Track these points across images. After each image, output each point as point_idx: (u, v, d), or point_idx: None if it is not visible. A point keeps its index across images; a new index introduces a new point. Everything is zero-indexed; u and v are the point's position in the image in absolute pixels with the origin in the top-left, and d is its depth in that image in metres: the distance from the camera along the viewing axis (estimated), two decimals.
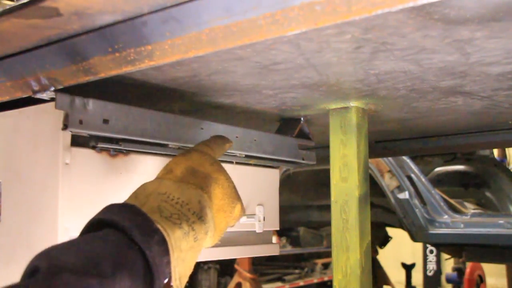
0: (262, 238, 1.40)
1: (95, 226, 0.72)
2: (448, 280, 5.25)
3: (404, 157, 3.62)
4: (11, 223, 0.99)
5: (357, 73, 1.01)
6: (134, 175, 1.07)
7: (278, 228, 1.44)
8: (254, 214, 1.35)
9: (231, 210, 0.90)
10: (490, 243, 3.37)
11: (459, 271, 4.92)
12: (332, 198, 1.31)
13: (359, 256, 1.25)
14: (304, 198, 4.37)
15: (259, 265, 6.99)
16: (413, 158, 3.74)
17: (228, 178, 0.90)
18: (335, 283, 1.28)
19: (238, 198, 0.92)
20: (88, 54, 0.79)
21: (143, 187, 0.82)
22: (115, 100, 0.99)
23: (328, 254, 7.52)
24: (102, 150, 1.00)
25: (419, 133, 1.82)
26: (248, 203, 1.35)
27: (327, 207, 1.41)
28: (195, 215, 0.79)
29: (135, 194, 0.81)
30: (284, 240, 7.56)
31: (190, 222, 0.77)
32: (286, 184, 3.88)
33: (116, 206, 0.74)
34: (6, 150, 1.03)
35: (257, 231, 1.35)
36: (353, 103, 1.29)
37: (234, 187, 0.92)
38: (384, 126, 1.62)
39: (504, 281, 5.09)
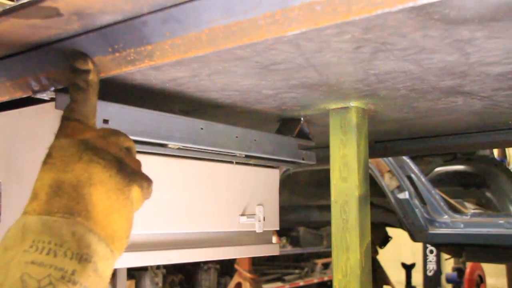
0: (262, 238, 1.40)
1: None
2: (448, 280, 5.25)
3: (404, 157, 3.62)
4: (11, 223, 0.99)
5: (357, 73, 1.01)
6: None
7: (278, 228, 1.44)
8: (254, 214, 1.35)
9: (126, 200, 0.68)
10: (490, 243, 3.37)
11: (459, 271, 4.93)
12: (332, 198, 1.31)
13: (359, 256, 1.25)
14: (304, 198, 4.37)
15: (259, 265, 6.99)
16: (413, 158, 3.74)
17: (106, 165, 0.67)
18: (335, 283, 1.28)
19: (130, 179, 0.69)
20: (88, 54, 0.79)
21: (4, 246, 0.64)
22: (115, 100, 0.99)
23: (328, 254, 7.52)
24: None
25: (419, 133, 1.82)
26: (248, 203, 1.35)
27: (327, 207, 1.41)
28: (74, 258, 0.60)
29: (5, 243, 0.65)
30: (284, 240, 7.56)
31: (67, 277, 0.59)
32: (286, 184, 3.87)
33: None
34: (6, 150, 1.03)
35: (257, 231, 1.35)
36: (353, 103, 1.29)
37: (120, 169, 0.68)
38: (384, 126, 1.62)
39: (504, 281, 5.08)
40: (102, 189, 0.66)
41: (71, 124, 0.73)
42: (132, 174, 0.69)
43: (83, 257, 0.61)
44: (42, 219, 0.64)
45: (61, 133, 0.73)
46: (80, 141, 0.69)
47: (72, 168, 0.66)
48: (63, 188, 0.65)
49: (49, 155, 0.69)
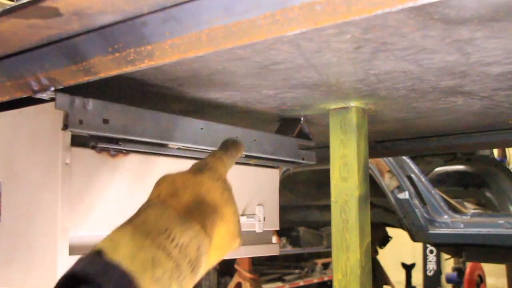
0: (262, 238, 1.40)
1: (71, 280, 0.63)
2: (448, 280, 5.24)
3: (404, 157, 3.62)
4: (11, 223, 0.99)
5: (357, 73, 1.01)
6: (134, 175, 1.07)
7: (278, 228, 1.44)
8: (254, 214, 1.35)
9: (229, 247, 0.79)
10: (490, 243, 3.37)
11: (459, 271, 4.92)
12: (332, 198, 1.30)
13: (359, 256, 1.25)
14: (304, 198, 4.37)
15: (259, 265, 6.99)
16: (413, 158, 3.74)
17: (235, 211, 0.79)
18: (335, 283, 1.28)
19: (239, 233, 0.80)
20: (88, 54, 0.79)
21: (146, 213, 0.70)
22: (115, 100, 0.99)
23: (328, 254, 7.52)
24: (102, 150, 1.00)
25: (419, 133, 1.82)
26: (248, 203, 1.35)
27: (327, 207, 1.41)
28: (189, 266, 0.68)
29: (138, 222, 0.68)
30: (284, 240, 7.55)
31: (181, 279, 0.66)
32: (286, 184, 3.87)
33: (100, 263, 0.62)
34: (6, 150, 1.03)
35: (257, 231, 1.35)
36: (353, 103, 1.29)
37: (239, 221, 0.80)
38: (384, 126, 1.62)
39: (504, 281, 5.08)
40: (224, 228, 0.76)
41: (218, 167, 0.82)
42: (240, 230, 0.82)
43: (194, 269, 0.69)
44: (180, 217, 0.71)
45: (213, 163, 0.82)
46: (225, 179, 0.81)
47: (214, 195, 0.77)
48: (203, 205, 0.75)
49: (200, 172, 0.79)
